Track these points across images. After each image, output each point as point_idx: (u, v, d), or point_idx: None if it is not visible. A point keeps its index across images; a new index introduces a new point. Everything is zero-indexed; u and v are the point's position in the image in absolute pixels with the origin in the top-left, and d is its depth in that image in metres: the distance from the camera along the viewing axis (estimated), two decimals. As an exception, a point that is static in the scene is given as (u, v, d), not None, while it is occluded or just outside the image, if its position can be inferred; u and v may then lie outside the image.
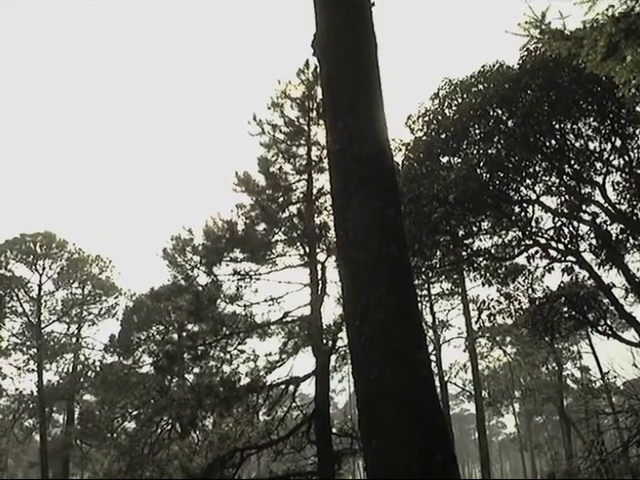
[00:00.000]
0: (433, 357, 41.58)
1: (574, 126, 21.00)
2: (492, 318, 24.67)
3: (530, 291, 23.04)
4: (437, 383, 43.09)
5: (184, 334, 23.37)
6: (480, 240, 22.99)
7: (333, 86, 8.60)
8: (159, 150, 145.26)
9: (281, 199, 21.71)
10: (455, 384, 45.15)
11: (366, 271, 7.27)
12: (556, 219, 21.53)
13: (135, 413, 29.66)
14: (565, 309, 22.63)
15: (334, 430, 21.19)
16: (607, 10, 7.10)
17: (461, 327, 40.92)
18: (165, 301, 22.76)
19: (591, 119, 20.65)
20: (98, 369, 38.82)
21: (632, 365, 22.80)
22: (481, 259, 23.24)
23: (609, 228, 21.38)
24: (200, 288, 21.60)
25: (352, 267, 7.62)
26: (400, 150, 22.00)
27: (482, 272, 23.83)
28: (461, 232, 21.72)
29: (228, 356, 23.69)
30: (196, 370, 24.17)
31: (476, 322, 33.64)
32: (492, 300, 24.03)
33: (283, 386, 21.27)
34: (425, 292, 38.21)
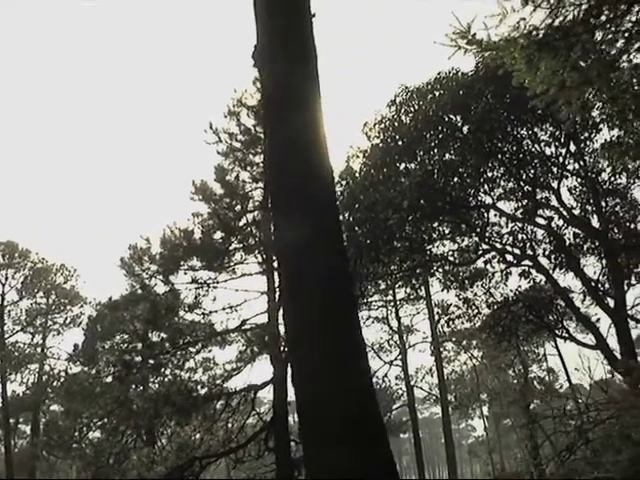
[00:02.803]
0: (399, 362, 41.76)
1: (530, 132, 21.17)
2: (451, 323, 24.86)
3: (488, 296, 23.19)
4: (403, 387, 43.28)
5: (145, 343, 23.26)
6: (439, 246, 23.17)
7: (272, 98, 8.68)
8: (119, 159, 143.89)
9: (238, 207, 21.71)
10: (421, 388, 45.33)
11: (305, 283, 7.36)
12: (512, 224, 21.74)
13: (100, 423, 29.41)
14: (523, 313, 22.79)
15: (293, 437, 21.16)
16: (518, 23, 7.25)
17: (426, 331, 41.10)
18: (123, 310, 22.63)
19: (547, 124, 20.83)
20: (63, 379, 38.47)
21: (580, 369, 22.95)
22: (439, 264, 23.40)
23: (564, 232, 21.63)
24: (158, 297, 21.53)
25: (292, 278, 7.69)
26: (357, 157, 22.11)
27: (441, 277, 24.03)
28: (418, 238, 21.82)
29: (187, 365, 23.65)
30: (157, 379, 24.08)
31: (441, 327, 33.92)
32: (451, 305, 24.22)
33: (242, 394, 21.26)
34: (390, 297, 38.33)
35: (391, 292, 36.29)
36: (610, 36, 7.20)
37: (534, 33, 7.26)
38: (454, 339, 41.30)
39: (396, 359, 41.97)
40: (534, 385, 43.71)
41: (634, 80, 7.94)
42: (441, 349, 41.72)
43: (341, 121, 23.38)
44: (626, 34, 7.17)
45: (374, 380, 42.84)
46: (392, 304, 39.80)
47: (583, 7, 6.95)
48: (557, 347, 41.04)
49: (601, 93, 8.25)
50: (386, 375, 43.20)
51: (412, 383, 42.18)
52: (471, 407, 47.95)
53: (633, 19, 7.13)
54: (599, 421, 11.68)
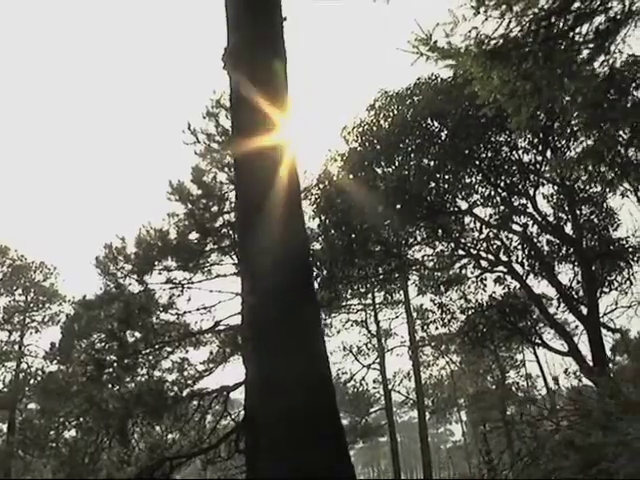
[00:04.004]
0: (377, 365, 41.84)
1: (509, 139, 21.25)
2: (426, 327, 24.96)
3: (463, 301, 23.26)
4: (381, 391, 43.37)
5: (118, 343, 23.18)
6: (415, 251, 23.26)
7: (240, 101, 8.71)
8: (98, 157, 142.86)
9: (214, 208, 21.70)
10: (399, 392, 45.39)
11: (264, 276, 7.41)
12: (487, 230, 21.84)
13: (75, 422, 29.26)
14: (497, 319, 22.86)
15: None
16: (470, 32, 7.33)
17: (405, 336, 41.18)
18: (97, 309, 22.58)
19: (526, 131, 20.91)
20: (39, 378, 38.33)
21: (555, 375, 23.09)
22: (415, 269, 23.49)
23: (539, 239, 21.75)
24: (132, 297, 21.51)
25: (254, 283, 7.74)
26: (335, 161, 22.15)
27: (416, 282, 24.13)
28: (394, 242, 21.90)
29: (161, 365, 23.59)
30: (131, 379, 24.01)
31: (419, 331, 34.05)
32: (427, 310, 24.30)
33: (214, 395, 21.25)
34: (370, 301, 38.38)
35: (370, 296, 36.33)
36: (561, 47, 7.31)
37: (486, 42, 7.35)
38: (433, 344, 41.39)
39: (374, 362, 42.10)
40: (512, 391, 43.81)
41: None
42: (420, 353, 41.83)
43: (321, 124, 23.47)
44: (575, 46, 7.28)
45: (351, 383, 42.96)
46: (371, 308, 39.86)
47: (532, 18, 7.04)
48: (535, 353, 41.25)
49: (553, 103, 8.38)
50: (364, 378, 43.33)
51: (390, 387, 42.24)
52: (448, 412, 48.11)
53: (583, 31, 7.24)
54: (564, 427, 11.75)
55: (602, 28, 7.16)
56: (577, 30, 7.19)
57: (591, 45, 7.27)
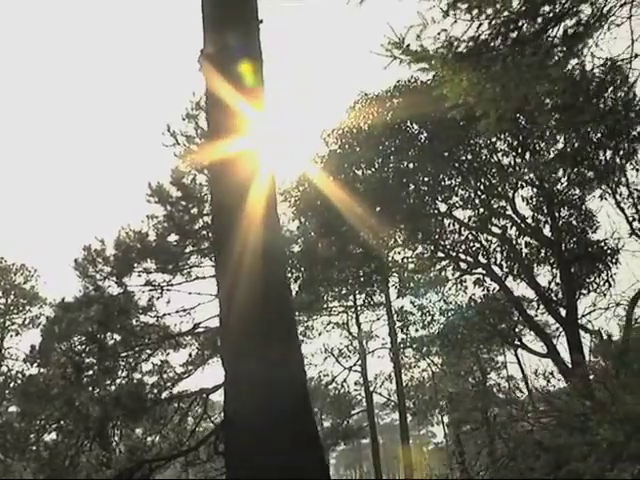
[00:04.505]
0: (358, 367, 41.89)
1: (488, 141, 21.36)
2: (405, 329, 25.04)
3: (442, 303, 23.35)
4: (362, 393, 43.42)
5: (97, 345, 23.07)
6: (394, 253, 23.31)
7: (216, 104, 8.70)
8: (77, 160, 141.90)
9: (194, 210, 21.63)
10: (380, 394, 45.45)
11: (239, 280, 7.41)
12: (467, 232, 21.93)
13: (55, 425, 29.11)
14: (476, 321, 22.96)
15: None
16: (439, 34, 7.37)
17: (386, 338, 41.25)
18: (76, 312, 22.46)
19: (505, 134, 21.02)
20: (20, 381, 38.06)
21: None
22: (395, 271, 23.56)
23: (518, 241, 21.86)
24: (110, 299, 21.43)
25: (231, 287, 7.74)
26: (315, 163, 22.18)
27: (396, 284, 24.21)
28: (374, 245, 21.95)
29: (141, 367, 23.49)
30: (111, 382, 23.92)
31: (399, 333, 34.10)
32: (407, 312, 24.36)
33: (193, 397, 21.23)
34: (351, 303, 38.37)
35: (352, 298, 36.33)
36: (531, 50, 7.35)
37: (455, 45, 7.39)
38: (415, 346, 41.45)
39: (355, 365, 42.15)
40: (493, 392, 43.87)
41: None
42: (401, 356, 41.86)
43: (301, 126, 23.44)
44: (545, 49, 7.33)
45: (332, 386, 42.99)
46: (353, 310, 39.85)
47: (501, 21, 7.08)
48: (517, 355, 41.37)
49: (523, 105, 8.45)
50: (345, 381, 43.40)
51: (371, 389, 42.31)
52: (430, 414, 48.18)
53: (553, 34, 7.29)
54: (539, 428, 11.83)
55: (571, 32, 7.22)
56: (548, 33, 7.25)
57: (560, 48, 7.33)
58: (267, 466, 6.57)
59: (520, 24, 7.10)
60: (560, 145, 20.60)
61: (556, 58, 7.49)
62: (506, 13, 6.97)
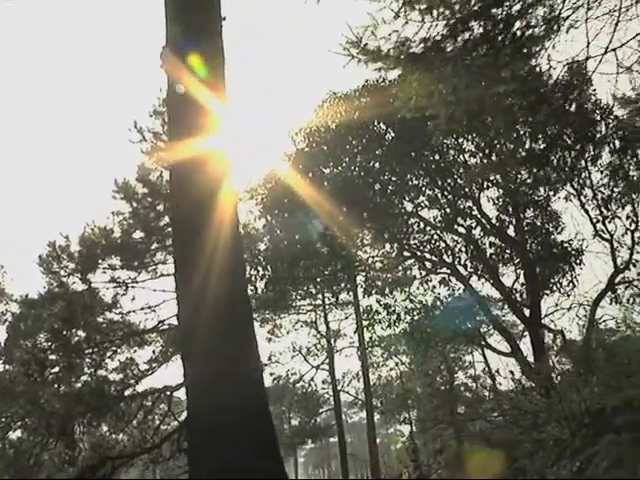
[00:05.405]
0: (326, 366, 41.91)
1: (455, 142, 21.46)
2: (371, 328, 25.06)
3: (408, 302, 23.35)
4: (330, 392, 43.46)
5: (61, 342, 22.93)
6: (361, 252, 23.34)
7: (177, 101, 8.67)
8: (44, 157, 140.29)
9: (160, 207, 21.57)
10: (348, 393, 45.55)
11: (197, 282, 7.40)
12: (432, 232, 22.01)
13: (20, 423, 28.85)
14: (441, 320, 23.04)
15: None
16: (390, 35, 7.41)
17: (353, 337, 41.27)
18: (41, 309, 22.32)
19: (473, 134, 21.12)
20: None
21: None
22: (361, 270, 23.58)
23: (483, 241, 21.99)
24: (75, 295, 21.31)
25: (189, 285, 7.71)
26: (283, 161, 22.19)
27: (361, 283, 24.22)
28: (340, 243, 21.95)
29: (105, 364, 23.38)
30: (75, 379, 23.79)
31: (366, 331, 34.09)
32: (373, 311, 24.34)
33: (157, 394, 21.17)
34: (320, 301, 38.36)
35: (320, 297, 36.32)
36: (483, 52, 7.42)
37: (407, 45, 7.43)
38: (383, 344, 41.51)
39: (323, 363, 42.17)
40: (460, 391, 44.08)
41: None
42: (369, 354, 41.90)
43: (269, 124, 23.41)
44: (495, 50, 7.40)
45: (300, 384, 43.00)
46: (321, 309, 39.84)
47: (452, 22, 7.13)
48: (484, 354, 41.60)
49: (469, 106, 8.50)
50: (313, 379, 43.45)
51: (339, 388, 42.36)
52: (397, 412, 48.25)
53: (504, 36, 7.36)
54: (497, 426, 11.96)
55: (520, 34, 7.29)
56: (500, 35, 7.32)
57: (511, 50, 7.40)
58: (227, 466, 6.60)
59: (471, 26, 7.16)
60: (527, 146, 20.71)
61: (507, 59, 7.56)
62: (458, 15, 7.03)
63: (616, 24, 7.94)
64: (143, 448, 20.67)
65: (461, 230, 21.89)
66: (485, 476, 8.41)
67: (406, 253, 22.40)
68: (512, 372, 16.73)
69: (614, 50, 8.13)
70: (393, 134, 20.80)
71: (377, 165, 21.08)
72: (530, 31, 7.29)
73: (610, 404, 7.45)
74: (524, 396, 11.29)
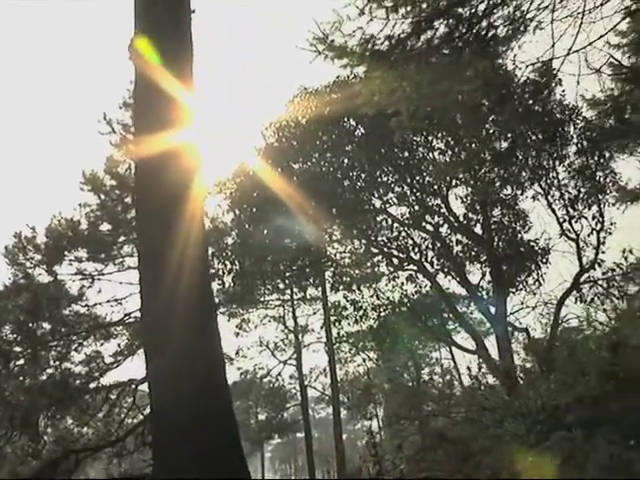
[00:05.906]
0: (293, 361, 41.93)
1: (425, 139, 21.53)
2: (338, 324, 25.10)
3: (375, 298, 23.40)
4: (297, 387, 43.48)
5: (26, 334, 22.75)
6: (329, 247, 23.37)
7: (143, 94, 8.62)
8: (10, 146, 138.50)
9: (127, 199, 21.46)
10: (315, 388, 45.57)
11: (160, 277, 7.38)
12: (400, 228, 22.09)
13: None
14: (408, 317, 23.14)
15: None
16: (354, 32, 7.45)
17: (321, 332, 41.28)
18: (5, 300, 22.08)
19: (442, 132, 21.21)
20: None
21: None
22: (329, 265, 23.60)
23: (450, 239, 22.11)
24: (40, 287, 21.15)
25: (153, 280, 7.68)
26: (252, 156, 22.17)
27: (329, 279, 24.26)
28: (309, 239, 21.97)
29: (71, 357, 23.22)
30: (40, 371, 23.61)
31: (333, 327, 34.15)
32: (340, 307, 24.38)
33: (121, 387, 21.09)
34: (288, 296, 38.32)
35: (289, 292, 36.28)
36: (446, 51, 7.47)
37: (372, 42, 7.47)
38: (351, 340, 41.55)
39: (290, 358, 42.17)
40: (427, 387, 44.22)
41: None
42: (337, 350, 41.92)
43: (239, 118, 23.33)
44: (457, 49, 7.45)
45: (267, 379, 42.98)
46: (289, 304, 39.81)
47: (416, 21, 7.18)
48: (451, 351, 41.85)
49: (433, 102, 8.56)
50: (280, 374, 43.44)
51: (306, 383, 42.39)
52: (364, 408, 48.35)
53: (468, 35, 7.42)
54: (458, 422, 12.04)
55: (484, 33, 7.36)
56: (464, 34, 7.37)
57: (473, 49, 7.46)
58: (188, 464, 6.61)
59: (435, 24, 7.21)
60: (495, 145, 20.84)
61: (470, 58, 7.62)
62: (423, 14, 7.07)
63: (580, 25, 8.04)
64: (107, 441, 20.60)
65: (429, 227, 22.01)
66: (442, 471, 8.50)
67: (374, 249, 22.47)
68: (469, 368, 16.89)
69: (577, 52, 8.24)
70: (363, 130, 20.87)
71: (346, 161, 21.11)
72: (494, 31, 7.37)
73: (564, 401, 7.56)
74: (484, 393, 11.40)
